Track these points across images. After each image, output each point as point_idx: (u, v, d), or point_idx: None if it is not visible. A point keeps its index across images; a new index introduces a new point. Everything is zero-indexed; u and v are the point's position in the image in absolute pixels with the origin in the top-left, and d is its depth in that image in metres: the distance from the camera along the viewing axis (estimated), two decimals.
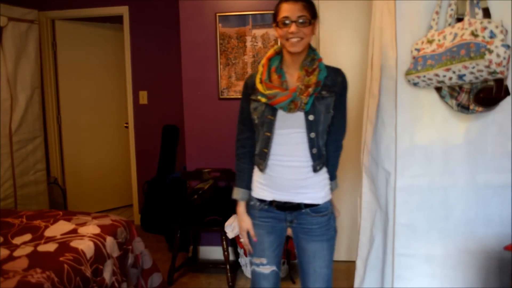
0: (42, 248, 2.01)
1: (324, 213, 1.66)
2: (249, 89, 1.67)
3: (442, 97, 1.66)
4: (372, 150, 1.90)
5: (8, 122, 3.40)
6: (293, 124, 1.58)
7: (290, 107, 1.54)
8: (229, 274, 2.82)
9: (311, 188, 1.63)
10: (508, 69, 1.43)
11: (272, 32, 3.02)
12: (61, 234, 2.18)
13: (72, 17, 4.17)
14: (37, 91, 3.64)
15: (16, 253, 1.96)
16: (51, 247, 2.02)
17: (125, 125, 4.36)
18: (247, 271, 3.01)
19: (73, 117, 4.37)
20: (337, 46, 3.05)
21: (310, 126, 1.58)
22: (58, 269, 1.83)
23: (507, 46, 1.39)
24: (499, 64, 1.38)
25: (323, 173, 1.67)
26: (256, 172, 1.70)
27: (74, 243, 2.06)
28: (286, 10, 1.52)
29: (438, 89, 1.66)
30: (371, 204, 1.94)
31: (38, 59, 3.65)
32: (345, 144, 3.08)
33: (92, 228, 2.25)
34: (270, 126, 1.60)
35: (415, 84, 1.66)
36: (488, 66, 1.38)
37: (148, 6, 4.00)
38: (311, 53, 1.61)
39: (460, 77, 1.48)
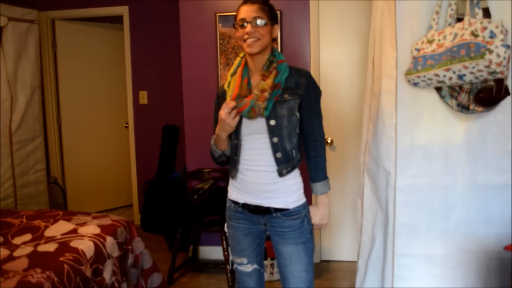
0: (42, 248, 2.01)
1: (295, 217, 1.63)
2: (220, 99, 1.72)
3: (442, 97, 1.66)
4: (372, 150, 1.90)
5: (8, 122, 3.40)
6: (257, 130, 1.61)
7: (250, 114, 1.57)
8: (229, 274, 2.82)
9: (281, 193, 1.63)
10: (508, 69, 1.43)
11: None
12: (61, 234, 2.18)
13: (72, 17, 4.17)
14: (37, 91, 3.64)
15: (16, 253, 1.96)
16: (51, 247, 2.02)
17: (125, 125, 4.36)
18: None
19: (73, 117, 4.37)
20: (337, 46, 3.05)
21: (272, 131, 1.58)
22: (58, 269, 1.84)
23: (507, 46, 1.39)
24: (499, 64, 1.38)
25: (294, 177, 1.65)
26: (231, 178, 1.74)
27: (74, 243, 2.06)
28: (243, 12, 1.57)
29: (438, 89, 1.66)
30: (372, 204, 1.94)
31: (38, 59, 3.65)
32: (345, 144, 3.10)
33: (92, 228, 2.25)
34: (237, 133, 1.64)
35: (415, 84, 1.66)
36: (488, 66, 1.38)
37: (148, 6, 3.99)
38: (271, 56, 1.61)
39: (460, 77, 1.48)
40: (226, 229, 1.85)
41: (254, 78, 1.64)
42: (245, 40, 1.56)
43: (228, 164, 1.74)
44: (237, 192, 1.70)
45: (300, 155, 1.67)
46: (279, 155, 1.59)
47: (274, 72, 1.58)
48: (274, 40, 1.67)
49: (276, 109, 1.58)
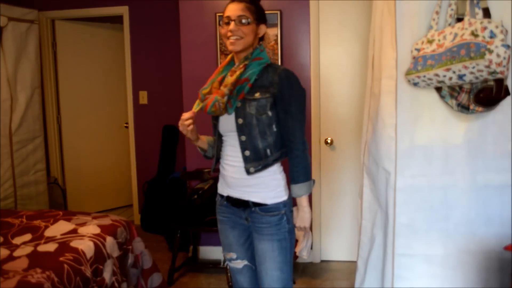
0: (42, 248, 2.01)
1: (274, 213, 1.63)
2: None
3: (442, 97, 1.66)
4: (372, 150, 1.90)
5: (8, 122, 3.40)
6: (229, 128, 1.64)
7: (213, 110, 1.59)
8: (229, 274, 2.82)
9: (259, 188, 1.64)
10: (508, 69, 1.43)
11: (272, 32, 3.02)
12: (61, 234, 2.18)
13: (72, 17, 4.17)
14: (37, 91, 3.64)
15: (16, 253, 1.96)
16: (51, 247, 2.02)
17: (125, 125, 4.36)
18: None
19: (73, 117, 4.37)
20: (337, 46, 3.05)
21: (241, 129, 1.60)
22: (58, 269, 1.84)
23: (507, 46, 1.39)
24: (499, 64, 1.38)
25: (272, 175, 1.64)
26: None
27: (74, 243, 2.06)
28: (229, 10, 1.59)
29: (438, 89, 1.66)
30: (371, 204, 1.94)
31: (38, 59, 3.65)
32: (345, 144, 3.10)
33: (92, 228, 2.25)
34: (215, 129, 1.72)
35: (415, 84, 1.66)
36: (488, 66, 1.38)
37: (148, 6, 3.99)
38: (249, 53, 1.61)
39: (460, 77, 1.48)
40: None
41: None
42: (228, 38, 1.57)
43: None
44: (221, 185, 1.76)
45: (279, 154, 1.65)
46: (247, 153, 1.61)
47: (242, 69, 1.58)
48: (261, 39, 1.68)
49: (245, 107, 1.59)
